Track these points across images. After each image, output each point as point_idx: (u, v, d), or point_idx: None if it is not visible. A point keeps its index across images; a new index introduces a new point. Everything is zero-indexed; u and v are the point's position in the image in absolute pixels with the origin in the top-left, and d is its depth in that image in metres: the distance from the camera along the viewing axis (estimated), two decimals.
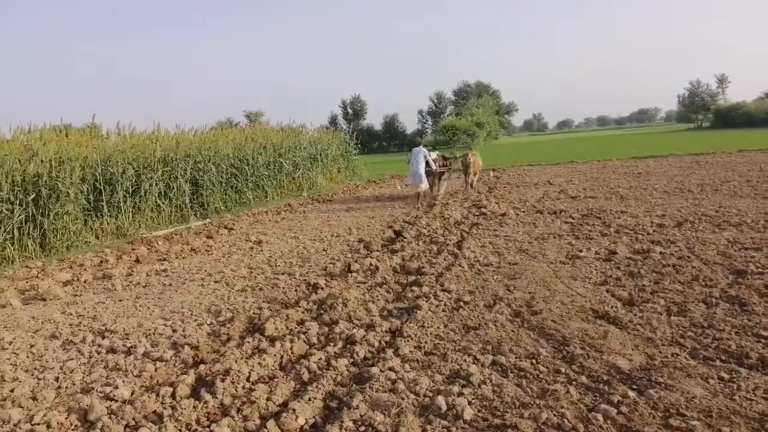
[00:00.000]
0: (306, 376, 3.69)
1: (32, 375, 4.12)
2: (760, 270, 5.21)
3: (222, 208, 14.13)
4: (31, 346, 4.75)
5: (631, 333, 4.04)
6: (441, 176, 14.40)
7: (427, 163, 12.94)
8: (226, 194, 14.80)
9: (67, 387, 3.89)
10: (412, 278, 6.08)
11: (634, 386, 3.22)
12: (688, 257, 5.93)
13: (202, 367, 3.95)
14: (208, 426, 3.18)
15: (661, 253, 6.18)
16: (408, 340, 4.18)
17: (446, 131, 43.30)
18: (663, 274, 5.43)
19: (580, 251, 6.59)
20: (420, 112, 70.78)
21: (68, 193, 9.96)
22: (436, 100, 70.51)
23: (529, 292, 5.17)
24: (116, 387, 3.74)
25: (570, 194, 11.80)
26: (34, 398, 3.68)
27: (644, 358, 3.60)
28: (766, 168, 13.52)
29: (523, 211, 10.08)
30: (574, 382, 3.33)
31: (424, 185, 12.90)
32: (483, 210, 10.46)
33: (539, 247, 7.07)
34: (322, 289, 5.84)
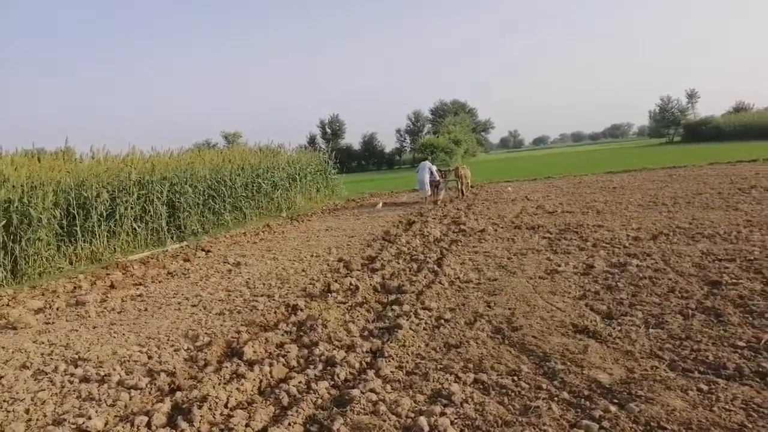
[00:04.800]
0: (286, 401, 3.62)
1: (1, 407, 3.97)
2: (734, 281, 5.29)
3: (199, 230, 13.97)
4: (1, 377, 4.60)
5: (610, 347, 4.05)
6: (439, 184, 17.34)
7: (431, 173, 16.68)
8: (203, 216, 14.66)
9: (38, 419, 3.77)
10: (392, 297, 6.05)
11: (615, 400, 3.22)
12: (664, 269, 6.01)
13: (178, 394, 3.85)
14: None
15: (637, 266, 6.25)
16: (389, 360, 4.14)
17: (424, 149, 43.62)
18: (640, 286, 5.48)
19: (559, 266, 6.64)
20: (398, 130, 71.42)
21: (40, 218, 9.75)
22: (413, 119, 71.21)
23: (510, 308, 5.17)
24: (89, 417, 3.63)
25: (547, 209, 11.92)
26: None
27: (624, 371, 3.61)
28: (736, 180, 13.84)
29: (502, 227, 10.15)
30: (555, 398, 3.32)
31: (428, 190, 16.69)
32: (462, 227, 10.51)
33: (518, 262, 7.10)
34: (302, 310, 5.77)
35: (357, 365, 4.15)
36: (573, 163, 31.99)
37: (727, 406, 3.05)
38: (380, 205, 17.24)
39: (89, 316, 6.42)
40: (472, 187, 18.77)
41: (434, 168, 17.24)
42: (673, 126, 68.45)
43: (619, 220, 9.54)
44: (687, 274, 5.76)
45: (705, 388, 3.28)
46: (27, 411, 3.90)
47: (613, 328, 4.41)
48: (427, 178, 16.56)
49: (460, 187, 17.38)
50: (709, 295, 4.98)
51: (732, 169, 17.08)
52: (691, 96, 73.14)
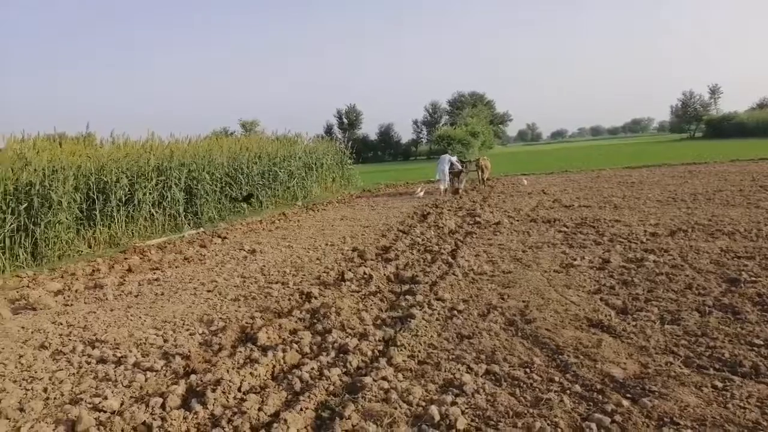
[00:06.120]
0: (298, 386, 3.65)
1: (20, 386, 4.05)
2: (753, 278, 5.22)
3: (216, 217, 14.08)
4: (20, 356, 4.69)
5: (624, 341, 4.03)
6: (460, 174, 17.69)
7: (451, 164, 17.27)
8: (220, 203, 14.76)
9: (55, 398, 3.84)
10: (406, 287, 6.06)
11: (628, 395, 3.20)
12: (682, 266, 5.94)
13: (193, 377, 3.91)
14: None
15: (654, 261, 6.19)
16: (401, 350, 4.16)
17: (441, 141, 43.37)
18: (656, 282, 5.42)
19: (574, 260, 6.59)
20: (415, 122, 71.27)
21: (61, 202, 9.91)
22: (431, 110, 70.98)
23: (523, 301, 5.15)
24: (105, 398, 3.69)
25: (564, 203, 11.82)
26: (22, 409, 3.62)
27: (638, 366, 3.59)
28: (758, 177, 13.60)
29: (518, 220, 10.09)
30: (567, 391, 3.31)
31: (447, 181, 17.18)
32: (477, 219, 10.47)
33: (533, 255, 7.07)
34: (316, 298, 5.81)
35: (369, 353, 4.17)
36: (591, 158, 31.66)
37: (741, 404, 3.02)
38: (422, 192, 17.26)
39: (107, 299, 6.52)
40: (488, 179, 18.73)
41: (454, 159, 17.82)
42: (695, 121, 67.40)
43: (637, 216, 9.44)
44: (705, 270, 5.69)
45: (720, 385, 3.25)
46: (45, 390, 3.98)
47: (628, 323, 4.37)
48: (446, 168, 17.15)
49: (481, 176, 18.17)
50: (727, 293, 4.91)
51: (754, 166, 16.78)
52: (714, 91, 72.10)
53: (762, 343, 3.79)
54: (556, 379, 3.49)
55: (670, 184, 14.05)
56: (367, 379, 3.61)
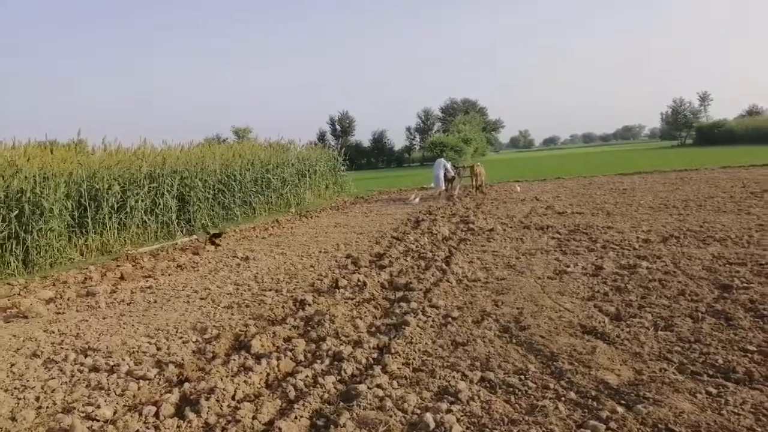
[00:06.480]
0: (292, 394, 3.64)
1: (12, 394, 4.01)
2: (744, 284, 5.25)
3: (209, 224, 14.04)
4: (12, 365, 4.65)
5: (618, 348, 4.04)
6: (454, 180, 18.18)
7: (446, 169, 17.59)
8: (213, 210, 14.72)
9: (47, 407, 3.80)
10: (400, 294, 6.05)
11: (623, 401, 3.21)
12: (674, 272, 5.97)
13: (186, 385, 3.88)
14: None
15: (647, 268, 6.22)
16: (396, 357, 4.15)
17: (434, 147, 43.49)
18: (649, 289, 5.45)
19: (568, 267, 6.61)
20: (408, 128, 71.41)
21: (52, 209, 9.84)
22: (423, 117, 71.21)
23: (517, 308, 5.16)
24: (98, 406, 3.66)
25: (557, 210, 11.87)
26: (13, 418, 3.58)
27: (632, 373, 3.60)
28: (749, 184, 13.72)
29: (511, 227, 10.12)
30: (562, 398, 3.31)
31: (443, 186, 17.63)
32: (470, 225, 10.49)
33: (527, 262, 7.08)
34: (310, 305, 5.79)
35: (364, 361, 4.16)
36: (583, 164, 31.83)
37: (736, 410, 3.03)
38: (417, 199, 17.04)
39: (99, 307, 6.47)
40: (481, 186, 18.77)
41: (449, 164, 18.13)
42: (685, 128, 67.95)
43: (629, 222, 9.49)
44: (697, 277, 5.72)
45: (714, 391, 3.26)
46: (37, 398, 3.94)
47: (622, 330, 4.39)
48: (441, 173, 17.41)
49: (475, 184, 18.08)
50: (720, 299, 4.94)
51: (744, 173, 16.93)
52: (704, 98, 72.73)
53: (755, 349, 3.80)
54: (551, 385, 3.49)
55: (661, 190, 14.14)
56: (362, 387, 3.60)
